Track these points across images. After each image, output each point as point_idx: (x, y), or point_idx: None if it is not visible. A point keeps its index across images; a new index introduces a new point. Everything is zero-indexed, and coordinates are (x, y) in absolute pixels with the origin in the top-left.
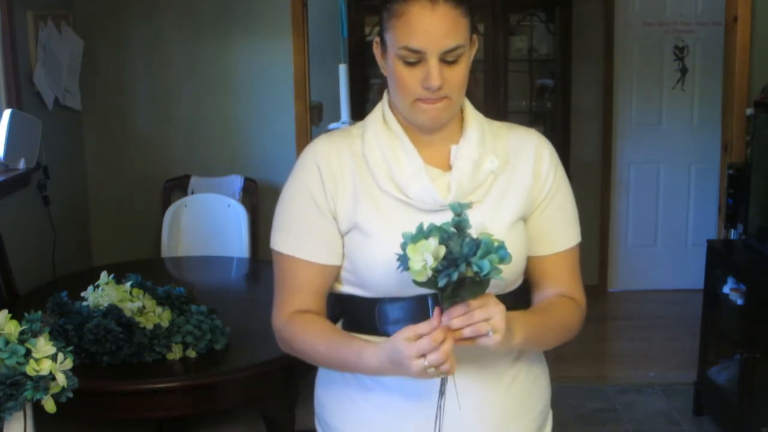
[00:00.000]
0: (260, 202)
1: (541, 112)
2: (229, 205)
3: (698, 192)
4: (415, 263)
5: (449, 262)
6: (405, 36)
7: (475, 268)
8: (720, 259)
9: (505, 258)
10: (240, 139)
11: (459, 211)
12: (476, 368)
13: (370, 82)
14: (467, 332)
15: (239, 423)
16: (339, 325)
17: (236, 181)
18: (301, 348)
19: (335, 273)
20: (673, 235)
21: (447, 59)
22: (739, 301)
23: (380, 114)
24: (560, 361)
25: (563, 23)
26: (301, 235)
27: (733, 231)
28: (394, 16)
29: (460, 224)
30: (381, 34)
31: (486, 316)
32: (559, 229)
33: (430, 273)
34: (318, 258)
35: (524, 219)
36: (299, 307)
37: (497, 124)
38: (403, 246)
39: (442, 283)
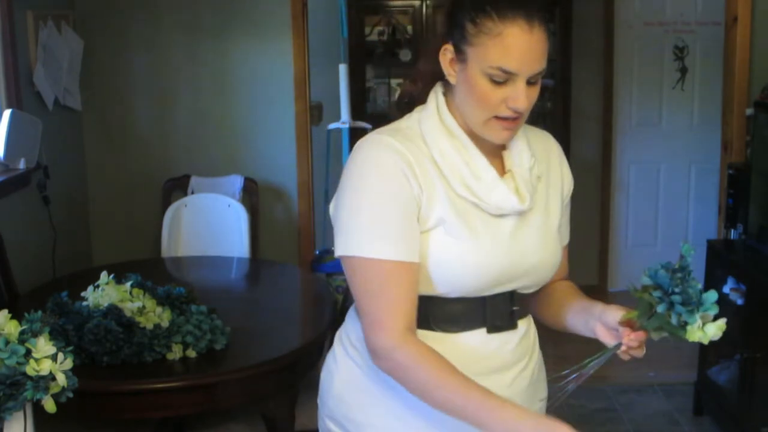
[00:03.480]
0: (260, 202)
1: (541, 112)
2: (229, 205)
3: (698, 192)
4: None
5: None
6: (499, 57)
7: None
8: (720, 259)
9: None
10: (240, 139)
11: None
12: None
13: (370, 82)
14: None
15: (239, 423)
16: None
17: (236, 181)
18: (416, 380)
19: None
20: (673, 235)
21: (531, 80)
22: (739, 301)
23: (436, 116)
24: (560, 361)
25: (563, 23)
26: (396, 236)
27: (733, 231)
28: (485, 34)
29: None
30: (457, 43)
31: None
32: (568, 223)
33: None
34: (414, 257)
35: None
36: (408, 321)
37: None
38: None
39: (661, 309)
